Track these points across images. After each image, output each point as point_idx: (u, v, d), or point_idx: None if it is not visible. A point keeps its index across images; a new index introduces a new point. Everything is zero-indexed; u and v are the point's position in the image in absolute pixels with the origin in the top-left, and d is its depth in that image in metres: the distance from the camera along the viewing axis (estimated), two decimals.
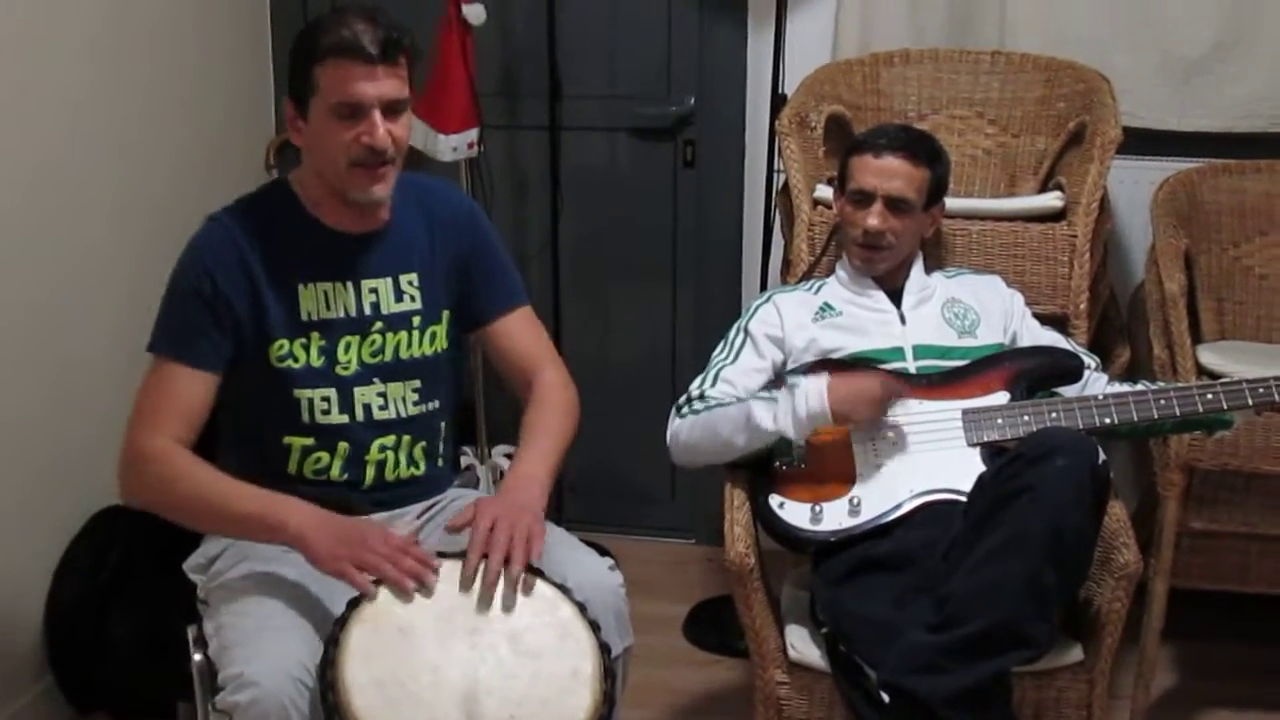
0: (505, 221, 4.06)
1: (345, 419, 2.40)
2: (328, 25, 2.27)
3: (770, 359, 2.86)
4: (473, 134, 3.58)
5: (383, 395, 2.43)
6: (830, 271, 3.03)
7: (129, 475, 2.32)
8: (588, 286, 4.15)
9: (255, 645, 2.11)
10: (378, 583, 2.15)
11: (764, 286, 3.58)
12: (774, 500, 2.68)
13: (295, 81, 2.31)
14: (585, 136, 4.03)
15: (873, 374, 2.71)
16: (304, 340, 2.37)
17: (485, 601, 2.17)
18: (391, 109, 2.29)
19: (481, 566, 2.20)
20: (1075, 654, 2.56)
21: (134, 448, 2.29)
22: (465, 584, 2.18)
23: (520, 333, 2.58)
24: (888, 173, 2.84)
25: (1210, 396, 2.61)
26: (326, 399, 2.39)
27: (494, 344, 2.59)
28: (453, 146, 3.52)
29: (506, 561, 2.19)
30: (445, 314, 2.50)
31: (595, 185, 4.08)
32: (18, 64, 3.00)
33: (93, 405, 3.25)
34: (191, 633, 2.39)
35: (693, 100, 3.96)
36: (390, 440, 2.45)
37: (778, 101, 3.48)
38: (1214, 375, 3.00)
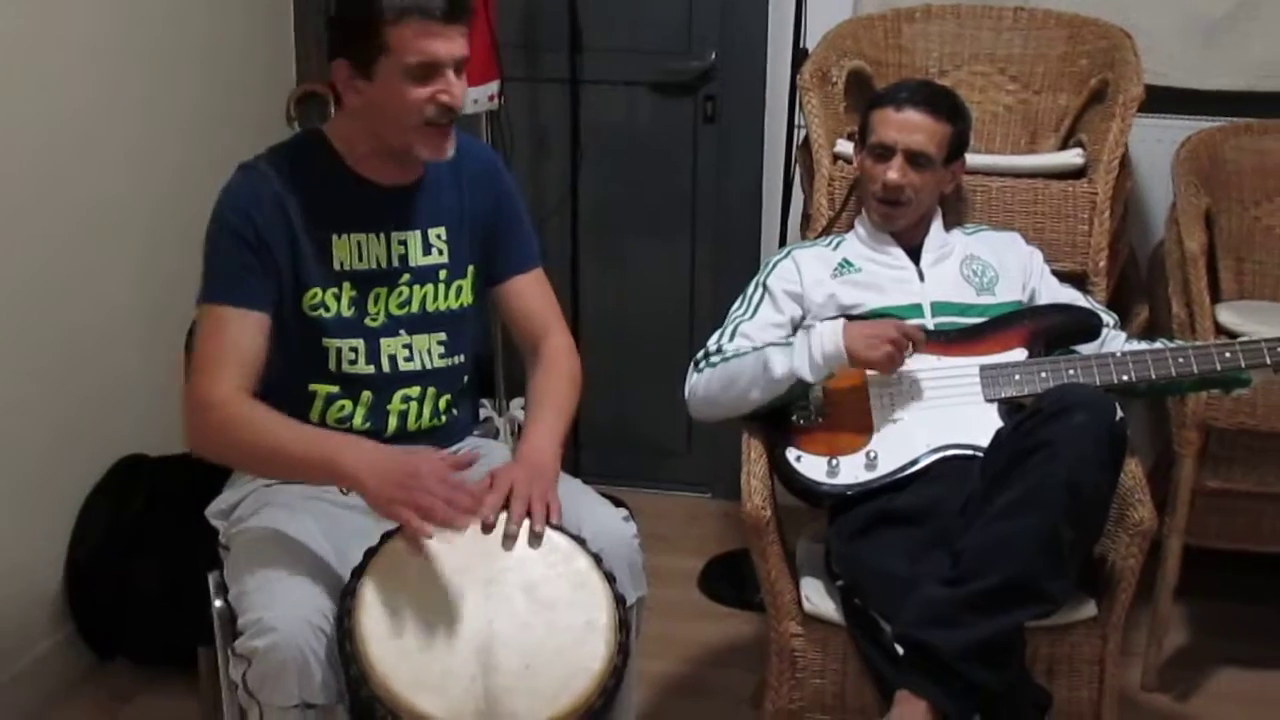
0: (525, 174, 4.07)
1: (371, 369, 2.41)
2: None
3: (789, 314, 2.86)
4: (493, 86, 3.58)
5: (408, 347, 2.44)
6: (849, 227, 3.02)
7: (193, 425, 2.30)
8: (607, 241, 4.15)
9: (274, 591, 2.13)
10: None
11: (783, 242, 3.58)
12: (791, 453, 2.69)
13: (357, 42, 2.28)
14: (606, 90, 4.02)
15: (890, 320, 2.71)
16: (336, 290, 2.38)
17: (501, 553, 2.19)
18: (460, 68, 2.30)
19: (501, 519, 2.21)
20: (1089, 609, 2.56)
21: (196, 398, 2.27)
22: (481, 535, 2.20)
23: (532, 294, 2.60)
24: (909, 127, 2.83)
25: (1229, 355, 2.61)
26: (355, 349, 2.40)
27: (506, 303, 2.60)
28: (473, 99, 3.52)
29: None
30: (471, 269, 2.51)
31: (615, 139, 4.08)
32: (36, 14, 3.00)
33: (113, 355, 3.27)
34: (213, 579, 2.40)
35: (714, 55, 3.95)
36: (414, 392, 2.46)
37: (799, 56, 3.47)
38: (1232, 334, 3.00)
